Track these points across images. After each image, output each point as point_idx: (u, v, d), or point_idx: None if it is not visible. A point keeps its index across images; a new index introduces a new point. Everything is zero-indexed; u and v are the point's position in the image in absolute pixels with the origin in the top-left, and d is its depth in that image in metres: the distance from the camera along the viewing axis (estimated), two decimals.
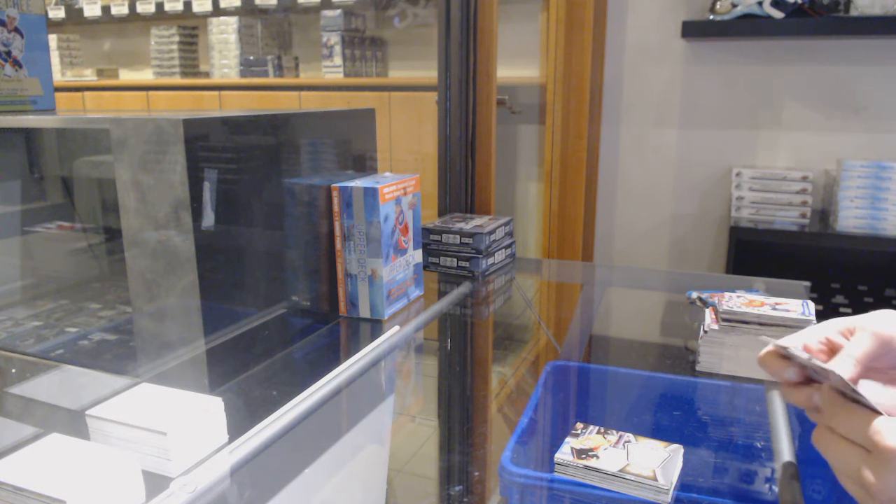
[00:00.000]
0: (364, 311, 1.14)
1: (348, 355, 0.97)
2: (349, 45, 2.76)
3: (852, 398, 0.48)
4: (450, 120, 1.65)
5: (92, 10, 3.26)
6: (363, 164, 1.22)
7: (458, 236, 1.40)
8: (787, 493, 0.67)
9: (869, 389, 0.49)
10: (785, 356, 0.53)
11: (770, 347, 0.54)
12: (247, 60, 2.96)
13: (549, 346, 1.17)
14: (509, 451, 0.76)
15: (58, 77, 3.27)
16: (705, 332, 0.95)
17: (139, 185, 0.83)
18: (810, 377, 0.53)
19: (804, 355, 0.51)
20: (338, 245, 1.12)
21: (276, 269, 0.99)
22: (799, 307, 0.94)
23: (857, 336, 0.52)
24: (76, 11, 3.30)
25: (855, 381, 0.50)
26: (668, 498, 0.66)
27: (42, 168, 1.29)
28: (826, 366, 0.49)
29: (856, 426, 0.47)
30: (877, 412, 0.46)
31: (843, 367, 0.50)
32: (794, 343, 0.53)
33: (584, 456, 0.71)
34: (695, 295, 1.19)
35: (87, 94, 3.21)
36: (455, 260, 1.40)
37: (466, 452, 0.81)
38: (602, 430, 0.76)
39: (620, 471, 0.68)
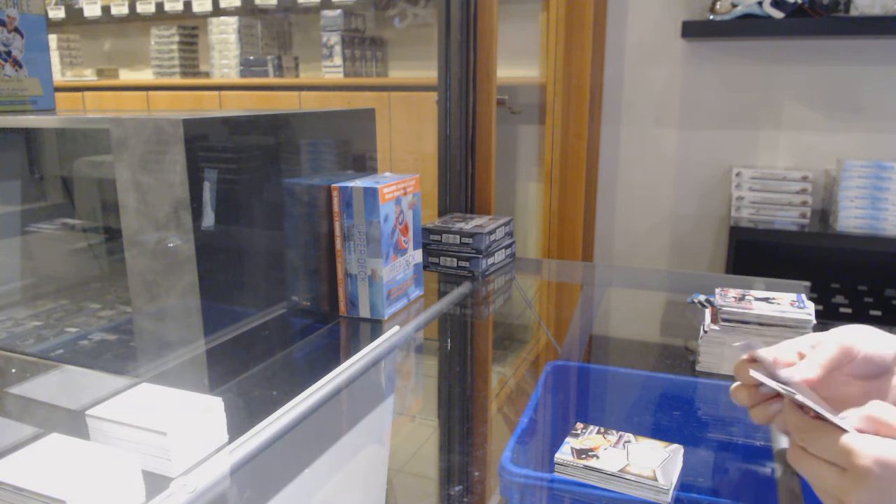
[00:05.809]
0: (364, 311, 1.14)
1: (348, 355, 0.97)
2: (349, 45, 2.76)
3: (816, 414, 0.49)
4: (450, 120, 1.65)
5: (92, 10, 3.26)
6: (363, 164, 1.22)
7: (458, 236, 1.40)
8: (786, 492, 0.67)
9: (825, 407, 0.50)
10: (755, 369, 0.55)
11: (744, 356, 0.56)
12: (247, 60, 2.96)
13: (549, 346, 1.17)
14: (509, 451, 0.76)
15: (58, 77, 3.27)
16: (705, 332, 0.95)
17: (139, 185, 0.83)
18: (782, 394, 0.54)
19: (769, 358, 0.53)
20: (338, 245, 1.12)
21: (276, 269, 0.99)
22: (794, 301, 0.94)
23: (821, 345, 0.55)
24: (76, 11, 3.30)
25: (814, 384, 0.52)
26: (668, 498, 0.66)
27: (42, 168, 1.29)
28: (789, 374, 0.52)
29: (827, 445, 0.47)
30: (842, 429, 0.47)
31: (807, 370, 0.53)
32: (766, 356, 0.55)
33: (584, 456, 0.71)
34: (701, 297, 1.18)
35: (87, 94, 3.21)
36: (455, 260, 1.40)
37: (466, 452, 0.81)
38: (602, 430, 0.76)
39: (620, 471, 0.68)
